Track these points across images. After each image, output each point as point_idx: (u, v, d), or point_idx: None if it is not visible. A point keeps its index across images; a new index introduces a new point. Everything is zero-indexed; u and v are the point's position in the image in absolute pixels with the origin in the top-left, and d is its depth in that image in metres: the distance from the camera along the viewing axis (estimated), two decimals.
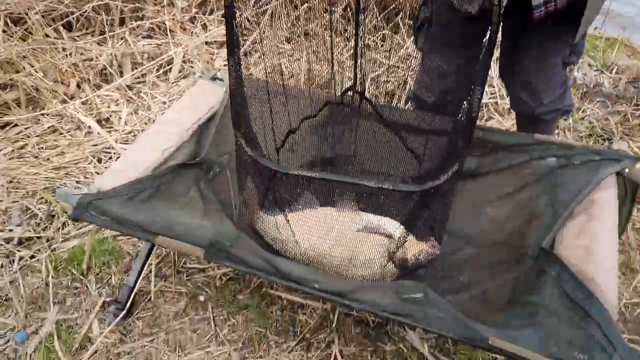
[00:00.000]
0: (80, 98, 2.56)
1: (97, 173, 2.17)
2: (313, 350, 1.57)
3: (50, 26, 2.74)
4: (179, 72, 2.74)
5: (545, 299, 1.14)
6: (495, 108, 2.50)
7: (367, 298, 1.07)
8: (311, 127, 1.61)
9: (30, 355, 1.56)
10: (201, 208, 1.47)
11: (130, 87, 2.64)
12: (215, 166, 1.72)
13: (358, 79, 1.52)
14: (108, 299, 1.71)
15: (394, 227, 1.45)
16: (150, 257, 1.70)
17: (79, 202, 1.36)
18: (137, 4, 2.92)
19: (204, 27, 2.97)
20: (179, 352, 1.56)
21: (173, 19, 2.90)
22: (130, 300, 1.63)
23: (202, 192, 1.55)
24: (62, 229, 1.95)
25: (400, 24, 2.69)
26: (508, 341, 0.98)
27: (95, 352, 1.56)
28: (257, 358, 1.55)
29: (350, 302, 1.08)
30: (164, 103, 2.56)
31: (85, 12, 2.79)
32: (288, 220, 1.37)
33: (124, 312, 1.61)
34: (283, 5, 2.45)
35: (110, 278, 1.78)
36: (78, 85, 2.62)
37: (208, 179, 1.66)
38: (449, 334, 1.00)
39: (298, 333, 1.61)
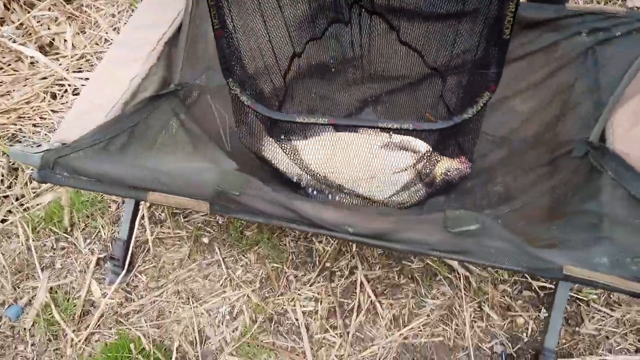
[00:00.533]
0: (13, 22, 2.15)
1: (54, 112, 1.88)
2: (336, 279, 1.45)
3: None
4: None
5: (605, 205, 1.00)
6: None
7: (413, 237, 0.91)
8: (317, 50, 1.34)
9: (30, 330, 1.42)
10: (190, 146, 1.25)
11: (68, 1, 2.23)
12: (193, 90, 1.46)
13: None
14: (102, 255, 1.54)
15: (419, 143, 1.27)
16: (140, 204, 1.51)
17: (43, 162, 1.12)
18: None
19: None
20: (193, 303, 1.43)
21: None
22: (128, 255, 1.46)
23: (185, 126, 1.31)
24: (30, 182, 1.71)
25: None
26: (583, 267, 0.85)
27: (102, 315, 1.42)
28: (278, 296, 1.43)
29: (394, 244, 0.92)
30: (113, 16, 2.18)
31: None
32: (296, 150, 1.17)
33: (124, 270, 1.44)
34: None
35: (98, 232, 1.59)
36: (6, 7, 2.19)
37: (187, 107, 1.41)
38: (515, 267, 0.87)
39: (317, 263, 1.48)
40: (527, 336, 1.34)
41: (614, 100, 1.16)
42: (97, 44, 2.11)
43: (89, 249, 1.56)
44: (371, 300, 1.41)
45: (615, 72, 1.20)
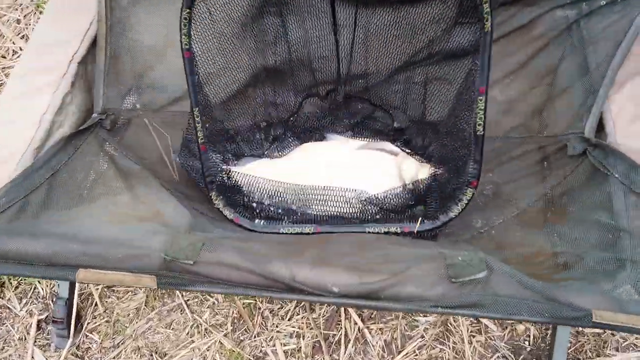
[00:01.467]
0: None
1: None
2: (317, 308, 1.30)
3: None
4: None
5: (620, 217, 0.87)
6: None
7: (410, 292, 0.76)
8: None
9: None
10: (126, 192, 1.03)
11: None
12: (122, 115, 1.24)
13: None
14: (44, 316, 1.32)
15: (395, 148, 1.11)
16: None
17: None
18: None
19: None
20: (158, 359, 1.25)
21: None
22: (73, 314, 1.25)
23: (117, 164, 1.09)
24: None
25: None
26: (614, 309, 0.72)
27: None
28: (254, 337, 1.27)
29: (389, 304, 0.76)
30: (19, 22, 1.87)
31: None
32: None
33: (71, 334, 1.24)
34: None
35: (35, 288, 1.36)
36: None
37: (117, 139, 1.18)
38: (536, 318, 0.73)
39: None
40: (529, 344, 1.24)
41: (607, 86, 1.02)
42: (3, 57, 1.81)
43: (26, 310, 1.34)
44: (359, 328, 1.27)
45: (606, 51, 1.06)
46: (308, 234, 1.06)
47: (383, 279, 0.77)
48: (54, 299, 1.31)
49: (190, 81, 0.99)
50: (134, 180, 1.07)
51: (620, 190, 0.90)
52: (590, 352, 1.22)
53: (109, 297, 1.34)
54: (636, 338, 1.23)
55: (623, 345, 1.22)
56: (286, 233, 1.06)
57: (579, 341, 1.23)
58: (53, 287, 1.35)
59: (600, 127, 1.03)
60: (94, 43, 1.22)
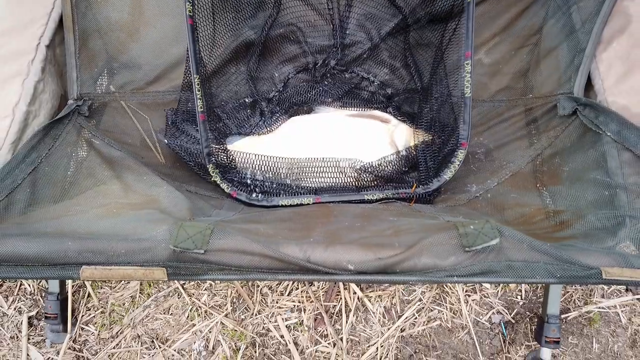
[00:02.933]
0: None
1: None
2: (316, 282, 1.31)
3: None
4: None
5: (615, 174, 0.89)
6: None
7: (425, 263, 0.76)
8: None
9: None
10: (115, 181, 0.99)
11: None
12: (99, 99, 1.17)
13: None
14: (34, 312, 1.28)
15: (387, 116, 1.11)
16: None
17: None
18: None
19: None
20: (159, 346, 1.24)
21: None
22: (69, 310, 1.22)
23: (101, 152, 1.05)
24: None
25: None
26: (620, 265, 0.75)
27: None
28: (255, 315, 1.27)
29: (407, 277, 0.77)
30: None
31: None
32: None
33: (67, 329, 1.21)
34: None
35: (21, 285, 1.31)
36: None
37: (97, 124, 1.13)
38: (548, 279, 0.75)
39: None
40: (522, 298, 1.29)
41: (594, 44, 1.03)
42: None
43: (14, 308, 1.29)
44: (358, 297, 1.29)
45: (590, 8, 1.06)
46: (308, 204, 1.05)
47: (398, 253, 0.77)
48: (44, 295, 1.27)
49: (192, 49, 1.00)
50: (120, 167, 1.03)
51: (614, 148, 0.92)
52: (578, 300, 1.28)
53: (101, 288, 1.30)
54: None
55: (608, 292, 1.29)
56: (285, 205, 1.05)
57: (568, 291, 1.29)
58: (40, 282, 1.31)
59: (589, 86, 1.05)
60: (60, 24, 1.13)
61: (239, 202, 1.08)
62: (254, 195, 1.09)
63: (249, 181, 1.12)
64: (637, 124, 0.92)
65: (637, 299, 1.26)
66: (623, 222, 0.82)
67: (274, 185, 1.12)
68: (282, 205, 1.06)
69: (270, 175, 1.13)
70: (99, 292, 1.30)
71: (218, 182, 1.07)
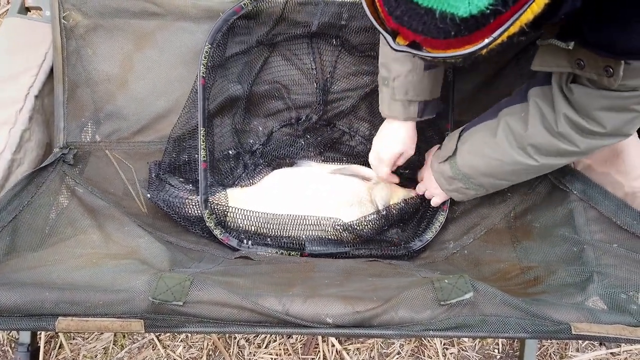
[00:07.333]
0: None
1: None
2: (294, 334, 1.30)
3: None
4: None
5: (582, 231, 0.94)
6: None
7: (401, 317, 0.78)
8: None
9: None
10: (95, 231, 0.99)
11: None
12: (84, 148, 1.19)
13: None
14: None
15: (370, 171, 1.14)
16: None
17: None
18: None
19: None
20: None
21: None
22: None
23: (83, 200, 1.05)
24: None
25: None
26: (589, 320, 0.77)
27: None
28: None
29: (384, 331, 0.78)
30: None
31: None
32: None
33: None
34: None
35: None
36: None
37: (81, 173, 1.14)
38: (520, 334, 0.77)
39: None
40: (499, 352, 1.30)
41: None
42: None
43: None
44: (336, 350, 1.28)
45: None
46: (292, 256, 1.11)
47: (375, 307, 0.79)
48: (14, 345, 1.23)
49: (201, 106, 1.10)
50: (102, 216, 1.04)
51: (580, 205, 0.97)
52: (554, 354, 1.30)
53: (74, 339, 1.27)
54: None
55: (582, 346, 1.31)
56: (274, 254, 1.11)
57: (544, 345, 1.30)
58: (10, 332, 1.27)
59: None
60: (50, 75, 1.17)
61: (229, 248, 1.11)
62: (244, 242, 1.12)
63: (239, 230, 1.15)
64: (600, 183, 0.97)
65: (611, 353, 1.28)
66: (591, 278, 0.86)
67: (261, 237, 1.15)
68: (269, 255, 1.09)
69: (254, 229, 1.15)
70: (72, 343, 1.26)
71: (212, 227, 1.11)
